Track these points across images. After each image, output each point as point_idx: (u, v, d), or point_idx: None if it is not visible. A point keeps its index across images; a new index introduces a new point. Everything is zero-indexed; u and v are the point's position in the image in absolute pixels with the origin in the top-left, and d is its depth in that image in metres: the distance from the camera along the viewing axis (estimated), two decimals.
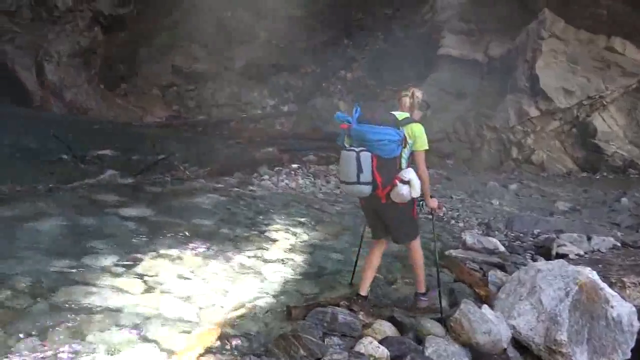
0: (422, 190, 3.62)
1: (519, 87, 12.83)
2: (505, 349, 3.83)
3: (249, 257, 4.79)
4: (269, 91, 20.35)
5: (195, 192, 7.34)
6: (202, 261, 4.56)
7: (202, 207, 6.49)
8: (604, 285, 4.41)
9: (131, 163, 9.10)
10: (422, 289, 4.08)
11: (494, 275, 4.92)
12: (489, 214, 7.87)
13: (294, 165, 10.37)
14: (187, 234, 5.27)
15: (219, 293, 3.95)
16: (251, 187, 8.30)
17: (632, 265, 5.33)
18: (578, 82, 12.09)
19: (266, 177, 9.23)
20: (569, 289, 4.18)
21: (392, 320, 3.78)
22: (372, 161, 3.36)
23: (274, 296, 4.02)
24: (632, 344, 4.22)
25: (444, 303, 4.17)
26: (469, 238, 5.78)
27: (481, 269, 5.22)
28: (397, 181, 3.43)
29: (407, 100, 3.73)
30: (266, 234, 5.62)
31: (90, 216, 5.44)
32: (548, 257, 5.83)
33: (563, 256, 5.83)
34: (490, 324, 3.77)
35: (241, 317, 3.59)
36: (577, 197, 9.48)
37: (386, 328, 3.65)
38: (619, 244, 6.47)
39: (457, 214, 7.78)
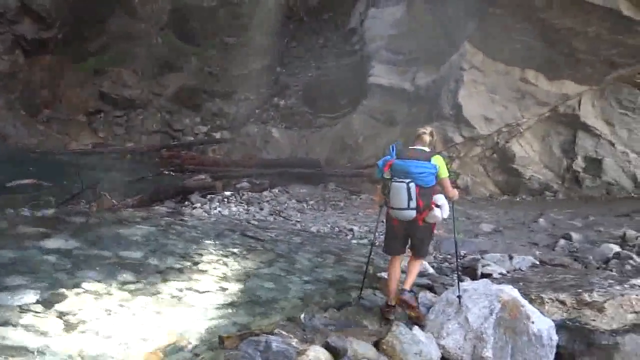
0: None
1: (443, 114, 13.46)
2: None
3: (179, 289, 4.66)
4: (201, 118, 20.13)
5: (123, 222, 7.09)
6: (129, 295, 4.38)
7: (131, 239, 6.26)
8: (524, 302, 4.65)
9: (54, 192, 8.65)
10: (408, 287, 4.47)
11: (424, 296, 5.06)
12: None
13: (227, 193, 10.27)
14: (114, 266, 5.06)
15: (147, 327, 3.81)
16: (182, 217, 8.12)
17: (550, 282, 5.65)
18: (497, 110, 12.85)
19: (198, 205, 9.07)
20: (492, 306, 4.38)
21: (326, 345, 3.80)
22: (417, 190, 4.12)
23: (205, 327, 3.92)
24: (552, 358, 4.47)
25: (377, 326, 4.25)
26: None
27: (411, 291, 5.35)
28: (433, 206, 4.21)
29: (427, 138, 4.51)
30: (198, 264, 5.50)
31: (8, 249, 5.11)
32: (474, 277, 6.09)
33: (487, 276, 6.10)
34: (421, 345, 3.88)
35: (172, 349, 3.48)
36: (499, 218, 9.98)
37: (320, 354, 3.65)
38: (537, 262, 6.87)
39: None
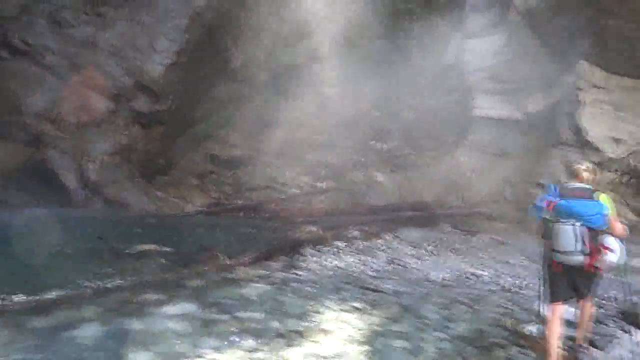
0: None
1: (563, 140, 12.32)
2: None
3: (306, 354, 4.29)
4: (303, 169, 20.34)
5: (239, 281, 6.96)
6: None
7: (249, 298, 6.08)
8: None
9: (174, 256, 8.87)
10: (582, 342, 4.36)
11: (587, 355, 4.24)
12: None
13: (340, 244, 9.94)
14: (233, 330, 4.85)
15: None
16: (296, 271, 7.88)
17: None
18: (627, 129, 11.52)
19: (312, 258, 8.81)
20: None
21: None
22: (587, 232, 3.88)
23: None
24: None
25: None
26: (546, 310, 5.12)
27: (568, 347, 4.54)
28: (606, 250, 3.89)
29: (588, 175, 4.22)
30: (319, 324, 5.13)
31: (132, 318, 5.11)
32: (637, 325, 5.12)
33: None
34: None
35: None
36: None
37: None
38: None
39: (525, 282, 7.11)
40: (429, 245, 10.39)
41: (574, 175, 4.26)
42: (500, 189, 13.64)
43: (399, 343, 4.52)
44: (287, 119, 21.28)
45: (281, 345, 4.49)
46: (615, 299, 6.23)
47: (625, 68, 11.43)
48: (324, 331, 4.89)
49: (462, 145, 15.91)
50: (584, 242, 3.86)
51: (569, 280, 4.12)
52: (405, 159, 18.59)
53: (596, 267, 3.98)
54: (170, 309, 5.42)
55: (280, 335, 4.78)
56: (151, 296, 5.93)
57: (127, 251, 8.76)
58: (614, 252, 3.91)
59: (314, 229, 10.80)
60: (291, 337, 4.71)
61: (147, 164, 17.54)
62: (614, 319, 5.54)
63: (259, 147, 20.54)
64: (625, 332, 4.99)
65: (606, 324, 5.27)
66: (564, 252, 3.94)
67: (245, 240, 10.62)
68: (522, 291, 6.71)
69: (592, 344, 4.57)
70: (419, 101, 20.06)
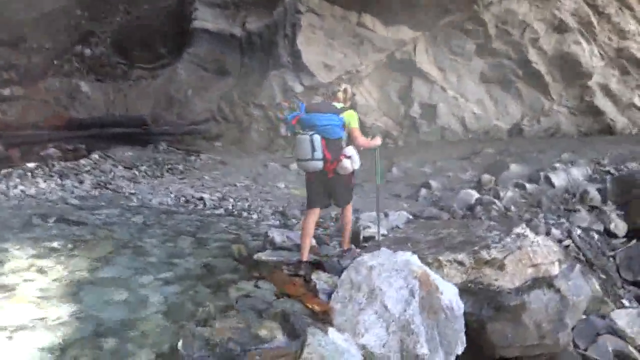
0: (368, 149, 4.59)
1: (281, 62, 12.50)
2: None
3: None
4: None
5: None
6: None
7: None
8: (429, 270, 4.05)
9: None
10: (347, 246, 4.82)
11: (319, 279, 4.14)
12: (280, 200, 7.19)
13: (30, 165, 8.00)
14: None
15: None
16: None
17: (437, 240, 5.15)
18: (337, 57, 12.29)
19: None
20: (410, 285, 3.65)
21: None
22: (322, 142, 4.13)
23: None
24: (463, 329, 3.95)
25: (280, 335, 3.19)
26: (276, 235, 4.91)
27: (299, 272, 4.40)
28: (342, 157, 4.23)
29: (341, 95, 4.57)
30: None
31: None
32: (357, 243, 5.39)
33: (370, 239, 5.47)
34: (346, 354, 2.96)
35: None
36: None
37: None
38: (411, 217, 6.46)
39: (248, 204, 6.87)
40: (142, 166, 9.33)
41: (334, 95, 4.59)
42: (218, 107, 13.21)
43: (113, 294, 3.52)
44: None
45: None
46: (336, 218, 6.44)
47: None
48: (5, 288, 3.56)
49: (180, 60, 14.78)
50: (320, 150, 4.12)
51: (325, 189, 4.39)
52: (114, 68, 16.45)
53: (340, 174, 4.28)
54: None
55: None
56: None
57: None
58: (351, 158, 4.26)
59: None
60: None
61: None
62: (335, 239, 5.69)
63: None
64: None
65: (327, 244, 5.32)
66: (303, 160, 4.22)
67: None
68: (247, 214, 6.43)
69: (319, 267, 4.51)
70: (131, 5, 17.80)
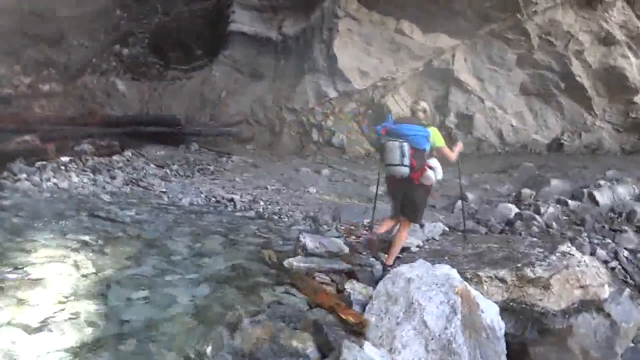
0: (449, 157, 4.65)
1: (316, 67, 12.39)
2: None
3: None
4: (22, 67, 16.50)
5: None
6: None
7: None
8: (469, 286, 3.81)
9: None
10: (390, 263, 4.62)
11: (353, 289, 3.94)
12: (311, 205, 7.01)
13: (65, 159, 8.04)
14: None
15: None
16: (0, 193, 5.95)
17: (476, 254, 4.92)
18: (372, 63, 12.12)
19: (24, 176, 6.84)
20: (452, 301, 3.42)
21: None
22: (410, 150, 4.29)
23: None
24: (505, 350, 3.69)
25: (309, 345, 3.01)
26: (309, 241, 4.72)
27: (333, 281, 4.22)
28: (426, 167, 4.38)
29: (421, 114, 4.64)
30: (27, 269, 3.67)
31: None
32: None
33: (405, 249, 5.25)
34: None
35: None
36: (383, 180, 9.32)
37: None
38: (447, 229, 6.21)
39: (279, 207, 6.73)
40: (174, 165, 9.30)
41: (414, 114, 4.66)
42: (252, 111, 13.17)
43: (140, 293, 3.41)
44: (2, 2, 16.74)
45: None
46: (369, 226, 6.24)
47: (377, 3, 11.82)
48: (35, 282, 3.47)
49: (215, 62, 14.83)
50: (408, 157, 4.27)
51: (402, 199, 4.58)
52: (150, 68, 16.63)
53: (422, 184, 4.44)
54: None
55: None
56: None
57: None
58: (434, 169, 4.41)
59: (29, 138, 8.54)
60: None
61: None
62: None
63: None
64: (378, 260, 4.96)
65: (362, 253, 5.11)
66: (392, 165, 4.35)
67: None
68: (278, 217, 6.28)
69: (352, 275, 4.32)
70: (169, 6, 18.02)
